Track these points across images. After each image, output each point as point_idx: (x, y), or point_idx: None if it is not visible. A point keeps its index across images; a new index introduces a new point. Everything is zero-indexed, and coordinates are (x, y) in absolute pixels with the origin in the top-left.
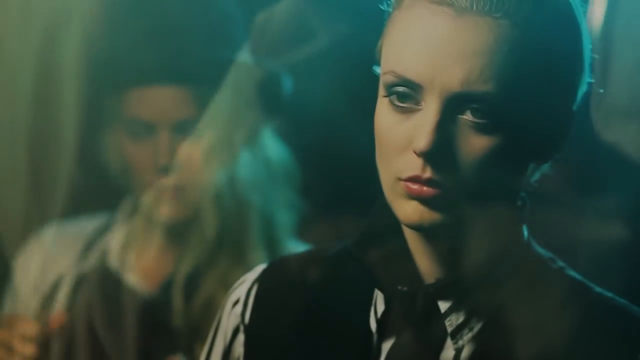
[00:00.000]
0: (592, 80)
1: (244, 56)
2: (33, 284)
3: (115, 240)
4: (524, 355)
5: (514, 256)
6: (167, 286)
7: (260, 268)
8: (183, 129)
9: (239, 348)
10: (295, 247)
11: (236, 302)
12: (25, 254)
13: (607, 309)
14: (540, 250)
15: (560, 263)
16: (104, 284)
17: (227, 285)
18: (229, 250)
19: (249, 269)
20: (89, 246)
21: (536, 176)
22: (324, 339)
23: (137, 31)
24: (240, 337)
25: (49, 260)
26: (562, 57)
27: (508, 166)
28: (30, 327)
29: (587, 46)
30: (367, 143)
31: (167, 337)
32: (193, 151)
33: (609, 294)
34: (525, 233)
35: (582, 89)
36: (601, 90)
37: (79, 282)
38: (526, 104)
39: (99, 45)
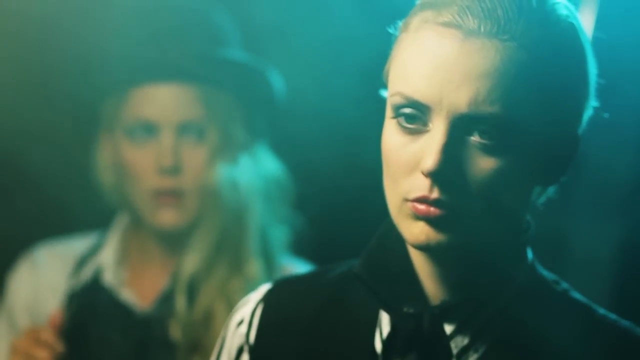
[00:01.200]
0: (597, 105)
1: (243, 56)
2: (25, 303)
3: (108, 256)
4: None
5: (519, 278)
6: (161, 301)
7: (264, 288)
8: (187, 130)
9: None
10: (288, 261)
11: (240, 322)
12: (16, 274)
13: (611, 331)
14: (545, 273)
15: (565, 285)
16: (98, 301)
17: (224, 296)
18: (227, 259)
19: (246, 280)
20: (81, 264)
21: (542, 199)
22: (330, 359)
23: (143, 29)
24: (245, 357)
25: (41, 279)
26: (567, 80)
27: (514, 188)
28: (47, 335)
29: (592, 70)
30: (361, 163)
31: (164, 352)
32: (197, 154)
33: (613, 316)
34: (530, 255)
35: (588, 113)
36: (606, 115)
37: (72, 300)
38: (532, 127)
39: (103, 43)
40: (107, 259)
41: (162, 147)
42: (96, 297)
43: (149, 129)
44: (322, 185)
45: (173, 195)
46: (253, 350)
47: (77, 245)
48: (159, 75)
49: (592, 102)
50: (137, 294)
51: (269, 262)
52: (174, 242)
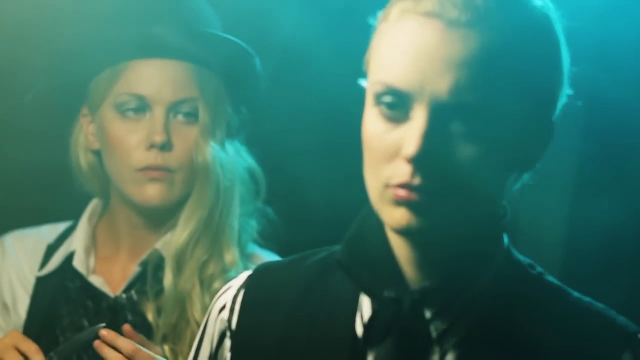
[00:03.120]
0: (571, 93)
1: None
2: None
3: (78, 243)
4: None
5: (496, 263)
6: (132, 286)
7: (245, 274)
8: (178, 108)
9: (225, 353)
10: (257, 250)
11: (222, 308)
12: None
13: (585, 313)
14: (520, 257)
15: (539, 269)
16: (68, 286)
17: (201, 279)
18: (207, 242)
19: (223, 265)
20: (51, 251)
21: (517, 185)
22: (311, 344)
23: (134, 8)
24: (227, 343)
25: (8, 265)
26: (542, 68)
27: (491, 175)
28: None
29: (565, 59)
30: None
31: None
32: (188, 133)
33: (587, 299)
34: (506, 240)
35: (562, 101)
36: (579, 103)
37: (42, 285)
38: (509, 114)
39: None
40: (77, 245)
41: (153, 123)
42: (66, 282)
43: (141, 105)
44: (289, 180)
45: (161, 170)
46: (235, 336)
47: (48, 232)
48: (153, 51)
49: (566, 90)
50: (107, 279)
51: (241, 251)
52: (149, 225)
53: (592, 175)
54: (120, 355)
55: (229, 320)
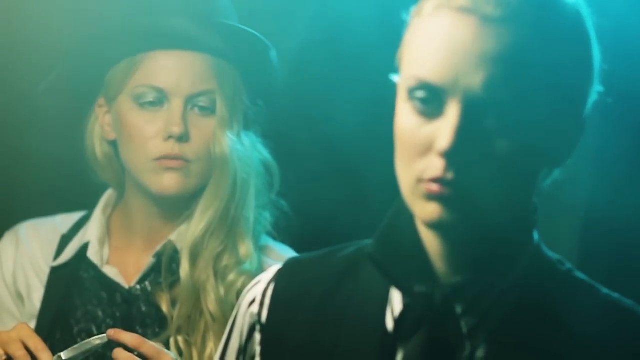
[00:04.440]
0: (602, 90)
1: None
2: (5, 276)
3: (92, 233)
4: (537, 357)
5: (526, 258)
6: (146, 277)
7: (274, 268)
8: (196, 101)
9: (255, 347)
10: (272, 244)
11: (252, 302)
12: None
13: (615, 309)
14: (550, 253)
15: (568, 265)
16: (82, 277)
17: (215, 271)
18: (223, 233)
19: (237, 257)
20: (66, 241)
21: (548, 181)
22: (341, 338)
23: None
24: (257, 336)
25: (22, 254)
26: (573, 65)
27: (523, 170)
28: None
29: (596, 56)
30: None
31: (150, 328)
32: (205, 125)
33: (616, 295)
34: (536, 236)
35: (592, 98)
36: (610, 100)
37: (57, 275)
38: (540, 110)
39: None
40: (91, 236)
41: (171, 115)
42: (81, 273)
43: (159, 97)
44: (304, 174)
45: (178, 160)
46: (265, 329)
47: (62, 222)
48: (171, 43)
49: (597, 87)
50: (121, 270)
51: (255, 243)
52: (164, 216)
53: (611, 171)
54: (130, 355)
55: (259, 314)
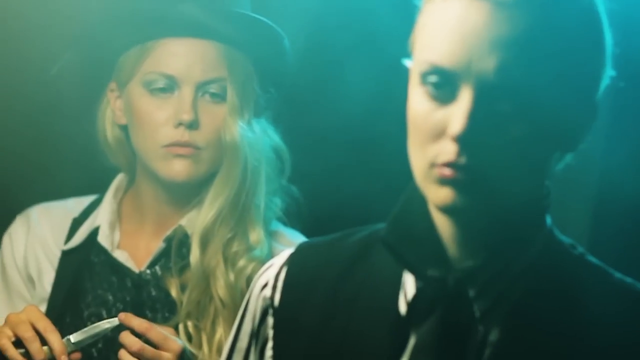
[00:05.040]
0: (614, 74)
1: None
2: (17, 259)
3: (103, 217)
4: (549, 340)
5: (539, 242)
6: (156, 262)
7: (287, 252)
8: (207, 88)
9: (267, 330)
10: (282, 229)
11: (265, 286)
12: (10, 231)
13: (628, 293)
14: (562, 237)
15: (581, 249)
16: (93, 261)
17: (225, 257)
18: (233, 220)
19: (247, 244)
20: (76, 225)
21: (560, 166)
22: (354, 322)
23: None
24: (270, 320)
25: (33, 237)
26: (586, 49)
27: (535, 154)
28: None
29: (608, 40)
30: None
31: (160, 313)
32: (216, 112)
33: (629, 279)
34: (549, 220)
35: (604, 82)
36: (622, 84)
37: (67, 260)
38: (553, 94)
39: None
40: (102, 220)
41: (181, 102)
42: (91, 257)
43: (170, 84)
44: (314, 158)
45: (189, 147)
46: (278, 313)
47: (73, 206)
48: (182, 30)
49: (609, 71)
50: (132, 255)
51: (265, 229)
52: (175, 201)
53: (623, 156)
54: (136, 340)
55: (272, 297)
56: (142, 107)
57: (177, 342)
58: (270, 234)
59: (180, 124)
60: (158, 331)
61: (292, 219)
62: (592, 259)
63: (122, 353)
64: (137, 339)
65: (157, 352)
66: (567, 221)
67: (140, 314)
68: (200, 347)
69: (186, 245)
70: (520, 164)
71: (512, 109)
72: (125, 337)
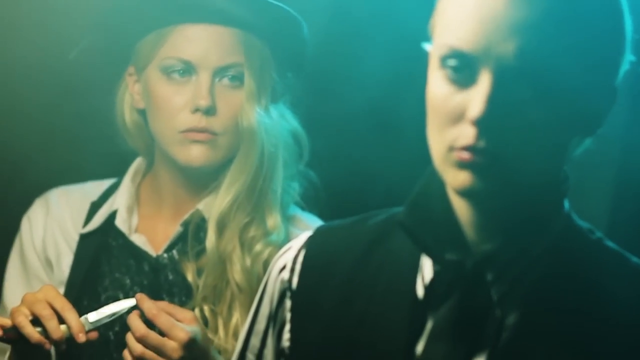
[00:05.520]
0: (634, 59)
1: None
2: (35, 242)
3: (121, 201)
4: (566, 324)
5: (557, 227)
6: (173, 246)
7: (305, 235)
8: (224, 73)
9: (285, 313)
10: (300, 214)
11: (283, 268)
12: (29, 213)
13: None
14: (580, 222)
15: (599, 234)
16: (111, 244)
17: (242, 242)
18: (250, 205)
19: (264, 229)
20: (95, 208)
21: (578, 150)
22: (371, 305)
23: None
24: (287, 303)
25: (52, 220)
26: (605, 34)
27: (554, 139)
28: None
29: (628, 25)
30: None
31: (177, 297)
32: (233, 97)
33: None
34: (566, 205)
35: (624, 67)
36: None
37: (85, 243)
38: (572, 79)
39: None
40: (120, 204)
41: (199, 87)
42: (109, 240)
43: (187, 69)
44: (332, 143)
45: (205, 132)
46: (295, 296)
47: (92, 189)
48: (200, 16)
49: (629, 56)
50: (149, 238)
51: (283, 213)
52: (192, 185)
53: None
54: (142, 325)
55: (290, 280)
56: (159, 92)
57: (185, 330)
58: (288, 219)
59: (197, 110)
60: (166, 318)
61: (310, 203)
62: (610, 243)
63: (129, 336)
64: (142, 325)
65: (162, 340)
66: (586, 206)
67: (157, 297)
68: (216, 331)
69: (203, 229)
70: (539, 148)
71: (531, 93)
72: (132, 321)
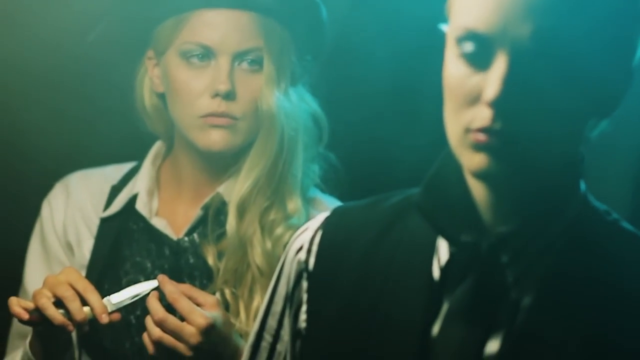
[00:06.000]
0: None
1: None
2: (56, 226)
3: (141, 184)
4: (582, 306)
5: (573, 208)
6: (194, 229)
7: (322, 216)
8: (243, 58)
9: (302, 294)
10: (320, 196)
11: (299, 249)
12: (50, 197)
13: None
14: (597, 203)
15: (615, 215)
16: (131, 228)
17: (262, 225)
18: (270, 189)
19: (285, 213)
20: (115, 192)
21: (595, 132)
22: (387, 286)
23: None
24: (304, 284)
25: (72, 204)
26: (623, 15)
27: (570, 121)
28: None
29: None
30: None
31: (198, 280)
32: (252, 82)
33: None
34: (583, 186)
35: None
36: None
37: (106, 227)
38: (589, 60)
39: None
40: (140, 187)
41: (218, 72)
42: (130, 224)
43: (206, 54)
44: (351, 125)
45: (225, 117)
46: (312, 277)
47: (112, 173)
48: (219, 0)
49: None
50: (170, 222)
51: (303, 196)
52: (213, 169)
53: None
54: (160, 308)
55: (306, 261)
56: (178, 76)
57: (205, 316)
58: (308, 201)
59: (216, 95)
60: (186, 303)
61: (330, 185)
62: (627, 225)
63: (148, 319)
64: (160, 308)
65: (180, 324)
66: (609, 191)
67: (178, 281)
68: (237, 314)
69: (224, 212)
70: (555, 129)
71: (547, 75)
72: (151, 304)
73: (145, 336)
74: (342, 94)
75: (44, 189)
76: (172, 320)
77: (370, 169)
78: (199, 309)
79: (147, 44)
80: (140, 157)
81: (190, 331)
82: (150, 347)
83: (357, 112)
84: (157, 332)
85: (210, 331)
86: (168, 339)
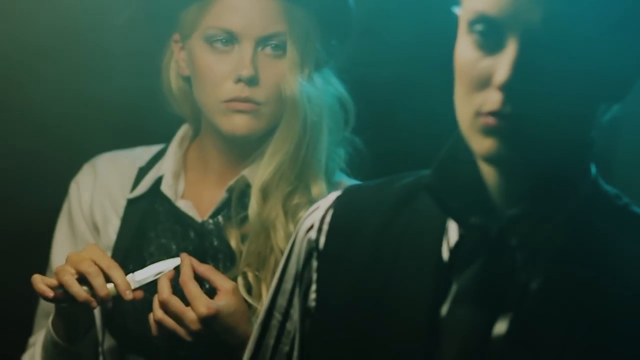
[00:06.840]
0: None
1: None
2: (82, 206)
3: (167, 167)
4: (590, 289)
5: (583, 192)
6: (219, 212)
7: (333, 195)
8: (267, 43)
9: (312, 273)
10: (343, 180)
11: (310, 228)
12: (77, 178)
13: None
14: (607, 187)
15: (626, 199)
16: (157, 210)
17: (286, 209)
18: (294, 173)
19: (309, 197)
20: (142, 174)
21: (607, 117)
22: (397, 266)
23: None
24: (314, 263)
25: (99, 185)
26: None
27: (581, 105)
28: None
29: None
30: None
31: (222, 262)
32: (276, 67)
33: None
34: (594, 170)
35: None
36: None
37: (132, 209)
38: (600, 45)
39: None
40: (166, 170)
41: (241, 57)
42: (156, 206)
43: (230, 39)
44: (378, 109)
45: (248, 102)
46: (322, 256)
47: (140, 155)
48: None
49: None
50: (195, 204)
51: (328, 180)
52: (238, 153)
53: None
54: (166, 289)
55: (317, 240)
56: (203, 61)
57: (209, 306)
58: (333, 185)
59: (240, 80)
60: (193, 288)
61: (355, 169)
62: (637, 209)
63: (155, 298)
64: (167, 289)
65: (182, 308)
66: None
67: (202, 262)
68: (260, 297)
69: (248, 195)
70: (565, 114)
71: (557, 59)
72: (160, 282)
73: (150, 316)
74: (368, 77)
75: (73, 170)
76: (174, 302)
77: (396, 153)
78: (205, 297)
79: (172, 28)
80: (169, 139)
81: (191, 317)
82: (153, 327)
83: (383, 95)
84: (159, 312)
85: (211, 320)
86: (169, 321)
